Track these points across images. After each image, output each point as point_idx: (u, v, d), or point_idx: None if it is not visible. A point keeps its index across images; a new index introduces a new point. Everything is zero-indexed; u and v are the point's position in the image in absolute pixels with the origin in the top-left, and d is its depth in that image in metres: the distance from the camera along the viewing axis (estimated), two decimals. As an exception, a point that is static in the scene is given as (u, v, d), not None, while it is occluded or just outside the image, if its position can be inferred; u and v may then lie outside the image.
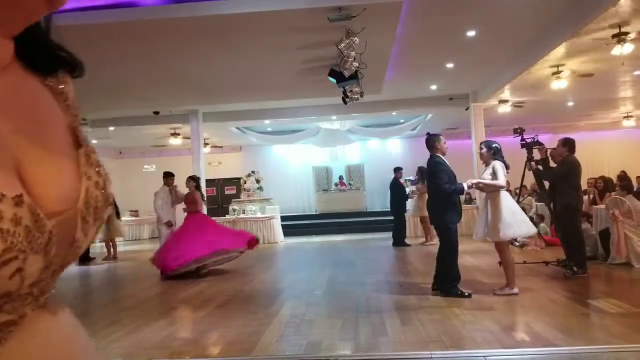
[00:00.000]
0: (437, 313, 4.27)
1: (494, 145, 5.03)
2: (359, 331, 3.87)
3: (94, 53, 6.92)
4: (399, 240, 10.06)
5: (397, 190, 10.29)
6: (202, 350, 3.60)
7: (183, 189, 8.29)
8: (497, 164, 4.93)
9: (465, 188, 4.98)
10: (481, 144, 5.19)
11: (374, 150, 18.24)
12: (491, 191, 4.94)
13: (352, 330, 3.92)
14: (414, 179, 11.11)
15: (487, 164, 5.05)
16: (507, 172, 5.06)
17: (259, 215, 12.85)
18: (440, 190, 4.91)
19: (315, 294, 5.51)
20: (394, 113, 13.46)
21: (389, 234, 12.46)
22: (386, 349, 3.39)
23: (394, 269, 7.28)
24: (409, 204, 10.67)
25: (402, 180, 10.59)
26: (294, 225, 14.32)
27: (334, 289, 5.81)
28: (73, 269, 9.47)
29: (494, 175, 4.88)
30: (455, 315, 4.18)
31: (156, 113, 12.14)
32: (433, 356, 3.16)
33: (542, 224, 8.72)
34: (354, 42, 6.04)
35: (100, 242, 11.00)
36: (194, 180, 8.08)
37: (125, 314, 4.91)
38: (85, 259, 10.38)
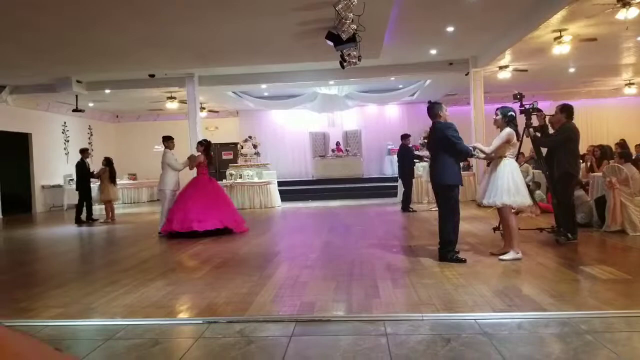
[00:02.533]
0: (430, 277, 4.33)
1: (509, 113, 5.02)
2: (352, 293, 3.93)
3: (88, 14, 6.72)
4: (405, 205, 10.15)
5: (405, 157, 10.30)
6: (198, 310, 3.66)
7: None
8: (505, 132, 4.93)
9: (471, 149, 5.03)
10: (497, 109, 5.15)
11: (372, 116, 18.10)
12: (497, 157, 4.97)
13: (345, 292, 3.98)
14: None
15: (501, 129, 5.04)
16: (519, 141, 5.12)
17: (255, 180, 12.86)
18: (456, 149, 4.89)
19: (310, 257, 5.57)
20: (392, 78, 13.26)
21: (386, 200, 12.56)
22: (378, 310, 3.45)
23: (388, 234, 7.34)
24: (423, 168, 10.69)
25: (410, 146, 10.54)
26: (291, 191, 14.37)
27: (328, 252, 5.87)
28: (74, 230, 9.56)
29: (495, 141, 4.91)
30: (447, 279, 4.23)
31: (152, 76, 11.92)
32: (424, 318, 3.21)
33: (538, 191, 8.75)
34: (352, 3, 5.86)
35: (99, 204, 11.05)
36: (201, 144, 8.21)
37: (123, 275, 4.98)
38: (89, 219, 10.47)
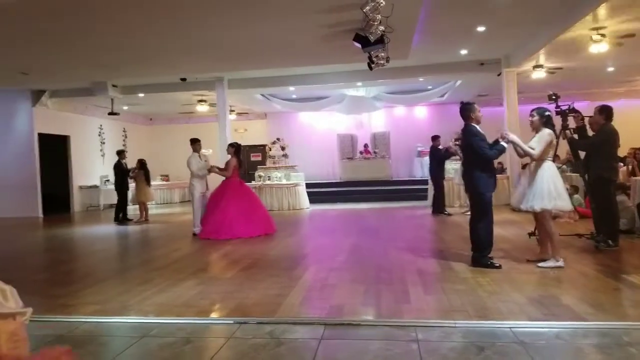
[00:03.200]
0: (462, 283, 4.24)
1: (546, 114, 4.87)
2: (381, 297, 3.89)
3: (122, 21, 6.91)
4: (438, 208, 9.97)
5: (435, 158, 10.15)
6: (228, 310, 3.70)
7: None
8: (546, 133, 4.76)
9: (505, 145, 4.85)
10: (532, 111, 4.98)
11: (400, 118, 17.93)
12: (534, 160, 4.81)
13: (374, 296, 3.94)
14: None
15: (537, 131, 4.87)
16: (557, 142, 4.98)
17: (284, 182, 12.94)
18: (483, 158, 4.79)
19: (338, 259, 5.55)
20: (421, 79, 13.09)
21: (416, 203, 12.39)
22: (408, 316, 3.39)
23: (418, 237, 7.24)
24: (455, 171, 10.46)
25: (440, 147, 10.30)
26: (319, 193, 14.38)
27: (357, 255, 5.83)
28: (110, 229, 9.86)
29: (538, 143, 4.73)
30: (480, 285, 4.13)
31: (183, 80, 12.23)
32: (457, 325, 3.14)
33: (576, 196, 8.45)
34: (379, 5, 5.80)
35: (133, 205, 11.36)
36: (232, 146, 8.27)
37: (156, 274, 5.09)
38: (124, 219, 10.78)
